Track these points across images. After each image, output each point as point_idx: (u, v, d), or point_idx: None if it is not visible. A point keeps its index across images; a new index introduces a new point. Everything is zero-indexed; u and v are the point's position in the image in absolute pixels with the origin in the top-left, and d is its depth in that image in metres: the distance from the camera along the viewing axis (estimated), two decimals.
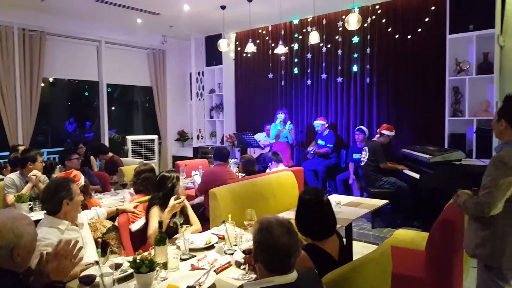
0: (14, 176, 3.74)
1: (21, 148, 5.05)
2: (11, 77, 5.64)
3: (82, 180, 3.05)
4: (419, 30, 5.21)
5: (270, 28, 6.80)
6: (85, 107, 7.88)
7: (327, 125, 5.97)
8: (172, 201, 2.61)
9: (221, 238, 2.50)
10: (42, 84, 6.27)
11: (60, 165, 4.79)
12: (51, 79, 7.06)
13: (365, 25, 5.58)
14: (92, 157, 5.87)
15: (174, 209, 2.59)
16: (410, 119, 5.45)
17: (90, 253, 2.25)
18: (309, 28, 6.00)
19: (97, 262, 1.84)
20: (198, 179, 4.40)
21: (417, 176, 4.47)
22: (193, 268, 2.09)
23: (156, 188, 2.77)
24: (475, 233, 2.04)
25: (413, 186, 4.67)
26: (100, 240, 2.55)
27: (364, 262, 1.80)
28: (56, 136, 7.63)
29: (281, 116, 6.04)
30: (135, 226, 2.85)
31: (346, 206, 3.44)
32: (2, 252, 1.42)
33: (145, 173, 3.38)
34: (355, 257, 2.92)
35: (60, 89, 7.86)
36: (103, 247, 2.27)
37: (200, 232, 2.73)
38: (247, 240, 2.42)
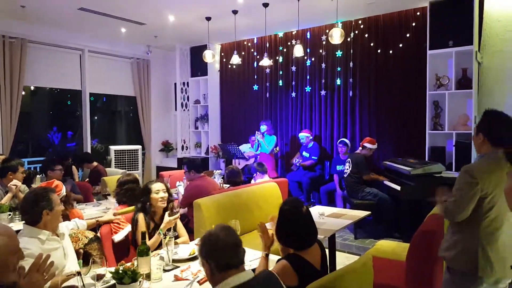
0: None
1: (0, 157, 4.93)
2: None
3: (63, 190, 2.99)
4: (401, 45, 5.39)
5: (255, 41, 6.90)
6: (67, 116, 7.74)
7: (311, 137, 6.04)
8: (166, 217, 2.59)
9: None
10: (23, 93, 6.15)
11: (41, 175, 4.69)
12: (32, 88, 6.93)
13: (348, 39, 5.72)
14: (73, 167, 5.76)
15: (170, 225, 2.57)
16: (391, 132, 5.58)
17: (71, 264, 2.20)
18: (293, 41, 6.11)
19: (79, 273, 1.81)
20: (182, 190, 4.37)
21: (398, 188, 4.56)
22: (177, 279, 2.07)
23: (140, 196, 2.76)
24: (450, 236, 2.09)
25: (394, 197, 4.76)
26: (82, 250, 2.50)
27: (345, 272, 1.82)
28: (37, 145, 7.45)
29: (263, 127, 6.09)
30: (118, 236, 2.81)
31: (329, 217, 3.47)
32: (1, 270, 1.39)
33: (129, 184, 3.35)
34: (338, 268, 2.95)
35: (42, 98, 7.71)
36: (85, 257, 2.23)
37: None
38: None
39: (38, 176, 4.67)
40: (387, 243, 3.61)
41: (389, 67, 5.54)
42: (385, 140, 5.62)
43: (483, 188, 1.94)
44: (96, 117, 7.87)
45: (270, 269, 1.99)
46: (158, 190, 2.73)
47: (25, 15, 5.53)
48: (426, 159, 4.96)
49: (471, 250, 1.97)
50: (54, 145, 7.53)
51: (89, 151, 6.82)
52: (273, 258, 2.16)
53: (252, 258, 2.33)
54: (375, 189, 4.90)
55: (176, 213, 2.63)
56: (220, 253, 1.50)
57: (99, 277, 1.90)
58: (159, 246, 2.52)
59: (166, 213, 2.62)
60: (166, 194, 2.75)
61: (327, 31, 5.22)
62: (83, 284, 1.74)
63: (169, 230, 2.56)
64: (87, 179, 5.57)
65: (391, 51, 5.48)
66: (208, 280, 1.60)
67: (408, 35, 5.32)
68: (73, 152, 7.03)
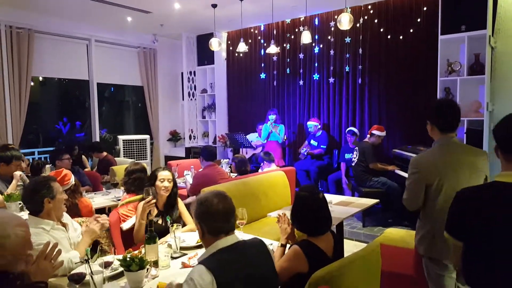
0: None
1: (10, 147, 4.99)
2: None
3: (72, 179, 3.00)
4: (411, 30, 5.26)
5: (262, 28, 6.80)
6: (76, 106, 7.79)
7: (320, 126, 5.98)
8: (140, 205, 2.57)
9: None
10: (32, 83, 6.18)
11: (50, 165, 4.73)
12: (41, 78, 6.97)
13: (357, 25, 5.61)
14: (83, 156, 5.81)
15: (145, 211, 2.54)
16: (401, 120, 5.49)
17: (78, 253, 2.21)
18: (301, 28, 6.02)
19: (86, 261, 1.81)
20: (190, 179, 4.37)
21: (407, 175, 4.49)
22: (184, 266, 2.08)
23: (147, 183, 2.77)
24: (417, 225, 2.22)
25: (403, 185, 4.68)
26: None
27: (353, 259, 1.80)
28: (47, 135, 7.52)
29: (272, 117, 6.04)
30: (126, 225, 2.82)
31: (337, 205, 3.45)
32: None
33: (137, 173, 3.35)
34: (346, 255, 2.94)
35: (51, 88, 7.75)
36: (94, 245, 2.25)
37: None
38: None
39: (48, 166, 4.73)
40: (395, 230, 3.59)
41: (399, 53, 5.42)
42: (395, 127, 5.53)
43: (426, 177, 2.04)
44: (104, 107, 7.90)
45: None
46: (163, 179, 2.71)
47: (32, 5, 5.53)
48: None
49: (429, 236, 2.08)
50: (63, 136, 7.59)
51: (98, 141, 6.86)
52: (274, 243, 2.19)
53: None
54: (384, 178, 4.84)
55: (151, 199, 2.58)
56: (212, 218, 1.58)
57: (107, 265, 1.91)
58: (167, 234, 2.52)
59: (142, 202, 2.59)
60: (171, 184, 2.72)
61: (336, 16, 5.13)
62: (91, 271, 1.74)
63: (163, 215, 2.54)
64: (96, 168, 5.62)
65: (401, 37, 5.35)
66: (200, 239, 1.69)
67: (419, 20, 5.18)
68: (82, 142, 7.09)
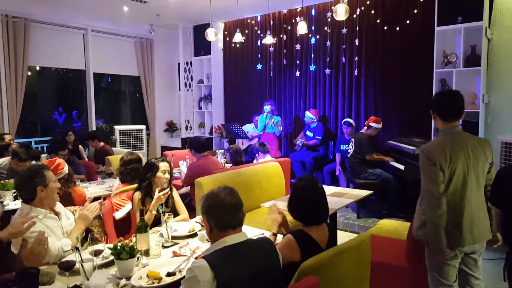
0: None
1: (7, 137, 4.99)
2: None
3: (65, 168, 3.01)
4: (408, 22, 5.23)
5: (259, 19, 6.76)
6: (73, 96, 7.76)
7: (316, 118, 5.98)
8: (156, 193, 2.60)
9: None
10: (29, 73, 6.15)
11: (46, 155, 4.74)
12: (38, 68, 6.93)
13: (354, 16, 5.57)
14: (80, 146, 5.81)
15: (160, 201, 2.58)
16: (397, 111, 5.49)
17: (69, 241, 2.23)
18: (298, 19, 5.98)
19: (77, 248, 1.83)
20: (184, 170, 4.38)
21: (402, 167, 4.52)
22: (175, 255, 2.10)
23: (145, 173, 2.77)
24: (419, 216, 2.18)
25: (399, 177, 4.72)
26: None
27: (342, 250, 1.81)
28: (44, 125, 7.51)
29: (267, 108, 6.03)
30: (119, 214, 2.84)
31: (330, 196, 3.46)
32: None
33: (133, 164, 3.36)
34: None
35: (48, 78, 7.71)
36: (86, 234, 2.26)
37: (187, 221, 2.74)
38: None
39: (43, 155, 4.74)
40: (389, 222, 3.62)
41: (395, 45, 5.40)
42: (391, 119, 5.53)
43: (442, 167, 2.02)
44: (101, 97, 7.87)
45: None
46: (164, 170, 2.74)
47: None
48: (432, 138, 4.89)
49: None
50: (60, 125, 7.58)
51: (94, 130, 6.86)
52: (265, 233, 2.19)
53: (253, 236, 2.34)
54: (379, 169, 4.86)
55: (168, 191, 2.63)
56: (219, 212, 1.55)
57: (97, 253, 1.92)
58: (159, 224, 2.54)
59: (157, 190, 2.63)
60: (170, 175, 2.77)
61: (332, 7, 5.08)
62: (81, 259, 1.76)
63: (162, 206, 2.57)
64: (92, 158, 5.62)
65: (397, 28, 5.33)
66: (207, 235, 1.66)
67: (415, 11, 5.15)
68: (78, 132, 7.08)
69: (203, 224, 2.48)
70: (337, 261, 1.76)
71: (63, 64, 6.82)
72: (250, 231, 2.48)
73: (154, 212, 2.55)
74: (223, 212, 1.55)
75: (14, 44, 5.70)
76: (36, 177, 2.13)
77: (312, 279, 1.54)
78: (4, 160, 3.92)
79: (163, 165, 2.75)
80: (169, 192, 2.67)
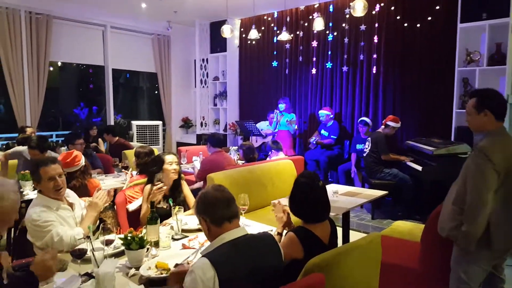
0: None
1: (29, 129, 5.14)
2: (18, 60, 5.69)
3: (82, 160, 3.07)
4: (429, 18, 5.09)
5: (275, 15, 6.72)
6: (93, 91, 7.93)
7: (332, 115, 5.91)
8: (147, 188, 2.61)
9: None
10: (51, 68, 6.31)
11: (65, 147, 4.85)
12: (60, 63, 7.11)
13: (373, 12, 5.47)
14: (100, 139, 5.93)
15: (154, 196, 2.56)
16: (416, 111, 5.36)
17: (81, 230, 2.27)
18: (315, 15, 5.90)
19: (88, 237, 1.86)
20: (198, 165, 4.41)
21: (419, 168, 4.42)
22: (184, 247, 2.11)
23: (152, 167, 2.80)
24: (453, 216, 2.09)
25: (416, 178, 4.62)
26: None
27: (350, 249, 1.78)
28: (66, 119, 7.71)
29: (281, 106, 6.00)
30: (132, 206, 2.87)
31: (343, 195, 3.41)
32: None
33: (146, 157, 3.48)
34: None
35: (69, 74, 7.91)
36: (98, 224, 2.30)
37: None
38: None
39: (62, 148, 4.86)
40: (404, 223, 3.54)
41: (416, 42, 5.27)
42: (410, 119, 5.41)
43: (499, 169, 1.92)
44: (119, 93, 8.01)
45: None
46: (171, 162, 2.75)
47: None
48: (452, 139, 4.76)
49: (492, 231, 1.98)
50: (80, 120, 7.76)
51: (112, 124, 6.98)
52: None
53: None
54: (395, 169, 4.76)
55: (162, 186, 2.61)
56: (212, 207, 1.57)
57: (108, 242, 1.95)
58: (169, 217, 2.56)
59: (150, 185, 2.64)
60: (178, 166, 2.77)
61: (351, 3, 5.01)
62: (93, 248, 1.79)
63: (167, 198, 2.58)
64: (109, 152, 5.72)
65: (418, 25, 5.19)
66: (206, 237, 1.65)
67: (437, 7, 5.01)
68: (98, 126, 7.23)
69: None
70: (345, 259, 1.73)
71: (83, 60, 6.96)
72: (262, 228, 2.47)
73: (145, 206, 2.57)
74: (216, 206, 1.57)
75: (36, 39, 5.86)
76: (32, 173, 2.25)
77: (317, 276, 1.52)
78: (25, 149, 4.04)
79: (169, 158, 2.76)
80: (164, 189, 2.62)
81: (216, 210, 1.56)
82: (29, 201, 3.09)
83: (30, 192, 3.42)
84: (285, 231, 2.12)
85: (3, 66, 5.55)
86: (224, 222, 1.55)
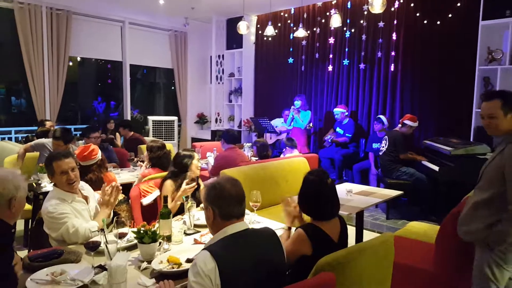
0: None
1: (48, 123, 5.26)
2: (39, 55, 5.82)
3: (99, 154, 3.12)
4: (450, 15, 4.96)
5: (292, 11, 6.67)
6: (111, 86, 8.06)
7: (347, 113, 5.84)
8: (183, 186, 2.65)
9: None
10: (70, 63, 6.44)
11: (82, 141, 4.94)
12: (79, 58, 7.24)
13: (392, 9, 5.37)
14: (117, 133, 6.03)
15: (185, 193, 2.62)
16: (435, 110, 5.24)
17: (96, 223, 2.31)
18: (332, 11, 5.84)
19: (102, 230, 1.89)
20: (212, 161, 4.43)
21: (436, 168, 4.33)
22: (196, 242, 2.13)
23: (172, 164, 2.86)
24: (481, 219, 2.04)
25: (432, 178, 4.53)
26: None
27: (362, 248, 1.77)
28: (84, 113, 7.87)
29: (297, 103, 5.96)
30: (146, 200, 2.91)
31: (357, 194, 3.37)
32: (2, 200, 1.53)
33: (159, 150, 3.51)
34: None
35: (88, 68, 8.05)
36: (113, 217, 2.34)
37: None
38: (249, 220, 2.43)
39: (80, 142, 4.95)
40: (419, 224, 3.47)
41: (435, 40, 5.14)
42: (428, 118, 5.29)
43: None
44: (136, 88, 8.12)
45: None
46: (198, 159, 2.89)
47: None
48: (471, 139, 4.64)
49: None
50: (98, 114, 7.90)
51: (128, 119, 7.08)
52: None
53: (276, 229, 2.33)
54: (412, 169, 4.68)
55: (195, 185, 2.68)
56: (225, 201, 1.57)
57: (121, 236, 1.98)
58: (182, 212, 2.58)
59: (184, 182, 2.68)
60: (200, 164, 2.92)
61: (369, 0, 4.92)
62: (106, 240, 1.82)
63: (187, 197, 2.60)
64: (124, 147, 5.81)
65: (438, 22, 5.06)
66: (208, 225, 1.66)
67: (458, 4, 4.87)
68: (115, 121, 7.35)
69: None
70: (356, 259, 1.71)
71: (102, 55, 7.08)
72: (274, 225, 2.46)
73: (179, 203, 2.59)
74: (229, 202, 1.57)
75: (57, 35, 5.98)
76: (46, 166, 2.29)
77: (327, 275, 1.51)
78: (47, 141, 4.17)
79: (197, 155, 2.91)
80: (196, 185, 2.71)
81: (229, 205, 1.56)
82: (47, 193, 3.19)
83: (48, 185, 3.50)
84: (293, 228, 2.13)
85: (24, 61, 5.70)
86: (232, 219, 1.57)
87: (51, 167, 2.22)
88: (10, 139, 5.94)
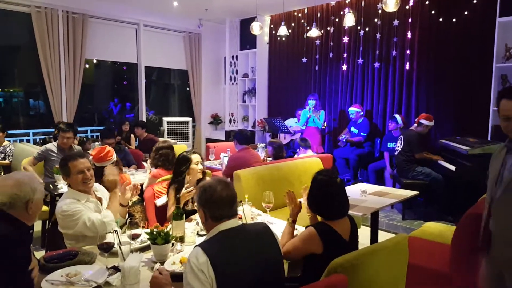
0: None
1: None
2: (56, 58, 5.95)
3: (114, 156, 3.17)
4: (466, 13, 4.85)
5: (306, 11, 6.64)
6: (126, 88, 8.18)
7: (362, 113, 5.78)
8: (182, 191, 2.62)
9: (239, 217, 2.52)
10: (87, 66, 6.57)
11: (98, 142, 5.03)
12: (95, 61, 7.38)
13: (407, 7, 5.28)
14: (132, 135, 6.11)
15: (184, 198, 2.60)
16: (451, 108, 5.14)
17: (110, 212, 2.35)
18: (346, 10, 5.78)
19: (115, 231, 1.93)
20: (226, 161, 4.45)
21: (453, 168, 4.24)
22: None
23: (180, 165, 2.83)
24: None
25: (449, 178, 4.44)
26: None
27: (375, 250, 1.75)
28: (101, 115, 8.02)
29: (312, 102, 5.92)
30: (160, 201, 2.94)
31: (372, 195, 3.33)
32: (19, 202, 1.57)
33: (164, 150, 3.54)
34: None
35: (103, 71, 8.20)
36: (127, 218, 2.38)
37: None
38: (262, 221, 2.43)
39: (97, 143, 5.04)
40: (435, 225, 3.42)
41: (451, 37, 5.03)
42: (444, 117, 5.19)
43: None
44: (151, 90, 8.22)
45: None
46: (197, 162, 2.78)
47: None
48: (488, 138, 4.53)
49: None
50: (114, 116, 8.04)
51: (143, 120, 7.17)
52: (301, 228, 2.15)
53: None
54: (428, 169, 4.60)
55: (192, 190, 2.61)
56: (215, 205, 1.58)
57: (134, 237, 2.01)
58: (195, 212, 2.60)
59: (184, 188, 2.65)
60: (202, 167, 2.81)
61: None
62: (120, 242, 1.85)
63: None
64: (139, 147, 5.88)
65: (454, 20, 4.96)
66: (202, 224, 1.70)
67: (475, 1, 4.76)
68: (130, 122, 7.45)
69: (238, 216, 2.54)
70: (369, 261, 1.70)
71: (117, 58, 7.19)
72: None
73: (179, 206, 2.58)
74: (220, 205, 1.58)
75: (73, 38, 6.10)
76: (60, 167, 2.34)
77: (339, 277, 1.50)
78: (50, 145, 4.22)
79: (195, 157, 2.78)
80: (193, 192, 2.60)
81: (219, 209, 1.58)
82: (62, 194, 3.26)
83: (64, 186, 3.57)
84: (303, 227, 2.13)
85: (42, 64, 5.83)
86: (223, 219, 1.58)
87: (67, 167, 2.27)
88: (28, 141, 6.09)
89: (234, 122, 7.76)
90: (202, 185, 1.65)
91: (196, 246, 1.51)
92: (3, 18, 5.78)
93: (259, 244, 1.59)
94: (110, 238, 1.99)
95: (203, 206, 1.62)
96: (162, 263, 1.88)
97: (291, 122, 6.45)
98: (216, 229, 1.57)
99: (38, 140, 6.08)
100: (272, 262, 1.59)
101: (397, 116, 5.27)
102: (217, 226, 1.57)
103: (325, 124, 6.14)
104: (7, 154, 4.94)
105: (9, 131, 5.29)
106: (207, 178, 2.91)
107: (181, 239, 2.13)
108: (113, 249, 1.88)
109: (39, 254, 2.42)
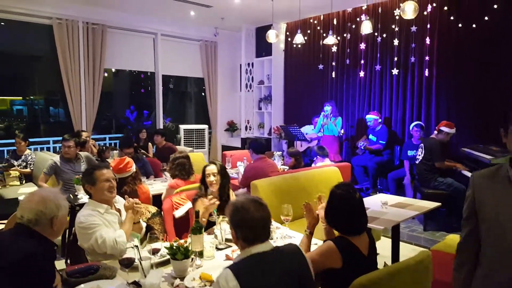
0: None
1: (84, 133, 5.45)
2: (76, 67, 6.09)
3: (133, 167, 3.20)
4: (486, 18, 4.73)
5: (322, 18, 6.60)
6: (144, 96, 8.30)
7: (380, 120, 5.69)
8: (206, 202, 2.59)
9: None
10: (106, 74, 6.69)
11: (116, 151, 5.09)
12: (113, 70, 7.51)
13: (425, 13, 5.19)
14: (149, 143, 6.16)
15: (208, 211, 2.57)
16: (473, 116, 5.00)
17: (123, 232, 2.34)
18: (362, 17, 5.73)
19: (136, 247, 1.93)
20: (242, 170, 4.44)
21: None
22: (228, 258, 2.12)
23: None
24: None
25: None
26: (145, 224, 2.67)
27: (398, 270, 1.70)
28: (119, 123, 8.14)
29: (327, 108, 5.87)
30: (179, 212, 2.95)
31: (393, 207, 3.25)
32: (44, 219, 1.59)
33: (180, 159, 3.55)
34: (401, 260, 2.78)
35: (122, 79, 8.34)
36: (148, 231, 2.38)
37: None
38: (281, 234, 2.41)
39: (115, 152, 5.10)
40: (458, 237, 3.30)
41: (471, 43, 4.92)
42: (465, 124, 5.05)
43: None
44: (168, 98, 8.31)
45: (313, 249, 2.03)
46: (208, 174, 2.75)
47: (105, 2, 5.98)
48: None
49: None
50: (131, 123, 8.15)
51: (161, 128, 7.24)
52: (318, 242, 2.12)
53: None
54: (450, 179, 4.48)
55: (215, 201, 2.58)
56: (248, 227, 1.54)
57: (154, 251, 2.01)
58: (214, 225, 2.59)
59: (207, 199, 2.61)
60: (216, 177, 2.73)
61: (401, 4, 4.79)
62: (140, 257, 1.85)
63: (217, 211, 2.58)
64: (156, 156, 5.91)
65: (474, 25, 4.84)
66: (234, 242, 1.66)
67: (495, 6, 4.64)
68: (147, 130, 7.54)
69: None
70: (392, 280, 1.66)
71: (135, 67, 7.31)
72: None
73: (205, 220, 2.55)
74: (253, 227, 1.53)
75: (93, 48, 6.24)
76: (85, 176, 2.35)
77: None
78: (56, 158, 4.28)
79: (208, 169, 2.76)
80: (217, 202, 2.59)
81: (251, 230, 1.53)
82: (83, 204, 3.30)
83: (84, 196, 3.61)
84: (320, 241, 2.08)
85: (62, 73, 5.97)
86: (256, 242, 1.53)
87: (93, 176, 2.30)
88: (48, 149, 6.22)
89: (250, 129, 7.76)
90: (235, 204, 1.60)
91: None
92: (26, 29, 5.95)
93: (292, 268, 1.54)
94: (130, 253, 1.99)
95: (235, 227, 1.58)
96: (182, 279, 1.87)
97: (307, 129, 6.41)
98: (248, 251, 1.52)
99: (58, 148, 6.18)
100: (304, 284, 1.55)
101: (422, 124, 5.17)
102: (249, 248, 1.53)
103: (342, 131, 6.06)
104: (28, 162, 5.06)
105: (30, 139, 5.41)
106: (232, 193, 2.89)
107: (200, 254, 2.11)
108: (134, 264, 1.88)
109: (59, 263, 2.44)
